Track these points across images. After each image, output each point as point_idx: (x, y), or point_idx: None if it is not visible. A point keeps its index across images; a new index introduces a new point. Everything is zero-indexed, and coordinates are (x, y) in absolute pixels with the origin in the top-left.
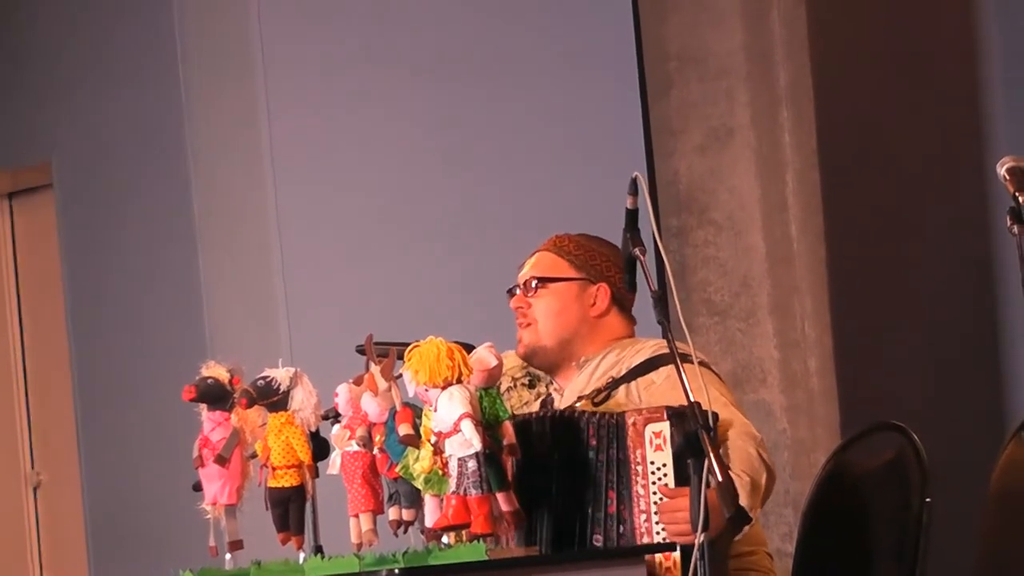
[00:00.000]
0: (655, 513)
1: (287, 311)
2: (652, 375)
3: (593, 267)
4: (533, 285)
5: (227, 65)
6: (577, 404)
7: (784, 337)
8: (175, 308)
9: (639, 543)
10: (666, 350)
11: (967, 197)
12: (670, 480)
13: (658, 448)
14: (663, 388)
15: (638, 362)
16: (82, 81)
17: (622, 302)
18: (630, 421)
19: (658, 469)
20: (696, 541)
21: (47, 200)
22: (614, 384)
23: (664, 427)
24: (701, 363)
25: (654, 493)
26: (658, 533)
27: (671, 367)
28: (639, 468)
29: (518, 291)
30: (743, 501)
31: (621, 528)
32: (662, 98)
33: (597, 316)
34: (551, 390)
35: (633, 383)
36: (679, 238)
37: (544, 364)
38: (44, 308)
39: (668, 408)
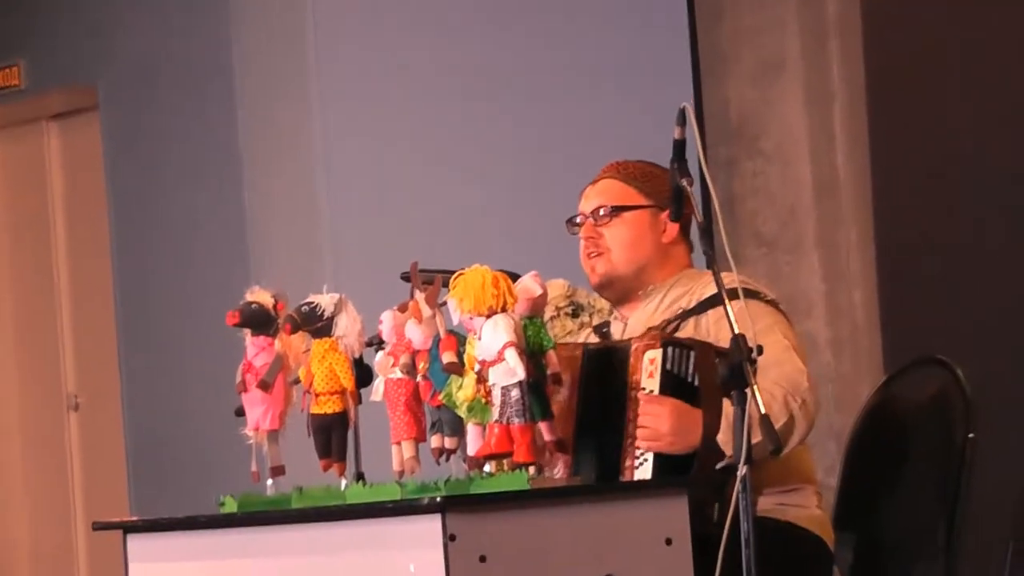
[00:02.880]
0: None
1: (331, 237)
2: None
3: (661, 194)
4: (602, 213)
5: None
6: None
7: (830, 269)
8: (219, 233)
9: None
10: (737, 284)
11: (1015, 130)
12: None
13: (650, 375)
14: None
15: (709, 295)
16: (130, 5)
17: (687, 229)
18: (633, 348)
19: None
20: (739, 473)
21: (93, 122)
22: (684, 315)
23: (658, 355)
24: (769, 301)
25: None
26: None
27: (742, 302)
28: (633, 394)
29: (579, 220)
30: (720, 436)
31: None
32: (715, 26)
33: (668, 243)
34: (611, 319)
35: (704, 315)
36: (728, 169)
37: (618, 294)
38: (88, 230)
39: (664, 337)
